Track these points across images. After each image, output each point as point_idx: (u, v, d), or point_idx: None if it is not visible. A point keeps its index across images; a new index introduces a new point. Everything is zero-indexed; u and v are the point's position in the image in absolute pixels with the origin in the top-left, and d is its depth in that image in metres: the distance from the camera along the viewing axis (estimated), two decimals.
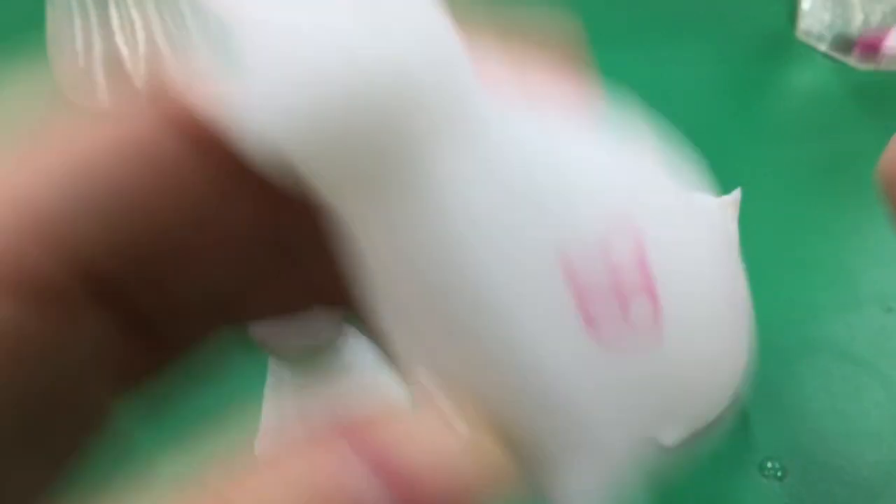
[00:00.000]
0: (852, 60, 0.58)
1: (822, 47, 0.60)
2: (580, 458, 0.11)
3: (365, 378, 0.29)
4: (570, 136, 0.11)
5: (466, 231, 0.10)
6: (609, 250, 0.10)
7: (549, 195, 0.10)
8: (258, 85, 0.09)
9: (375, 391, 0.29)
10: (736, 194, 0.28)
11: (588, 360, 0.10)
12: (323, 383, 0.27)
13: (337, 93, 0.09)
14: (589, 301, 0.10)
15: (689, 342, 0.11)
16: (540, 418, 0.11)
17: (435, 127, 0.09)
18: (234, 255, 0.11)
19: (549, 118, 0.11)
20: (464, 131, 0.10)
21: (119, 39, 0.33)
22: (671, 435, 0.12)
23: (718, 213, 0.12)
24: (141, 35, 0.34)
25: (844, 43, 0.58)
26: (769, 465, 0.31)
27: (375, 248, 0.10)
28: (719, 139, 0.51)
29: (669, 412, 0.12)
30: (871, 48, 0.55)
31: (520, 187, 0.10)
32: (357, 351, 0.29)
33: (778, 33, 0.63)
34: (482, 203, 0.10)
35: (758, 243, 0.41)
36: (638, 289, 0.10)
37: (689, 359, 0.11)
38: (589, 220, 0.10)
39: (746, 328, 0.12)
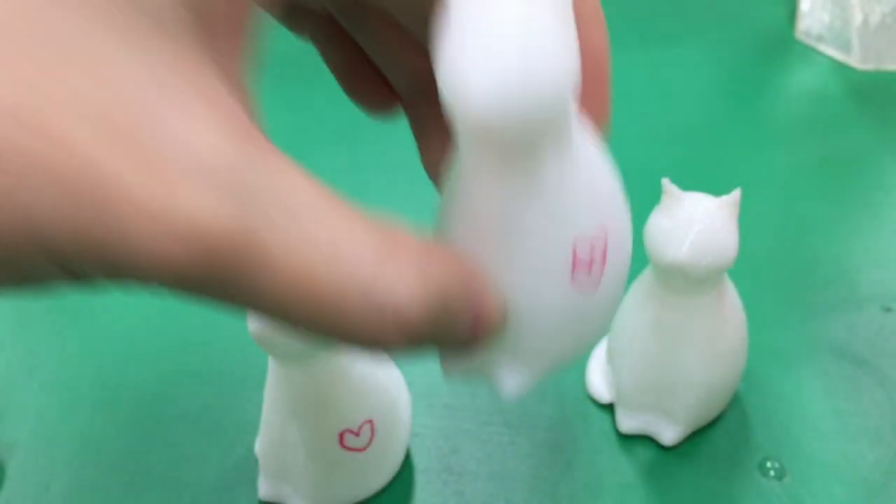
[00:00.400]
0: (852, 60, 0.58)
1: (822, 47, 0.60)
2: (530, 356, 0.19)
3: (364, 377, 0.29)
4: (593, 156, 0.17)
5: (541, 201, 0.16)
6: (594, 247, 0.17)
7: (582, 205, 0.17)
8: (484, 71, 0.13)
9: (374, 390, 0.29)
10: (736, 194, 0.28)
11: (563, 296, 0.17)
12: (321, 382, 0.27)
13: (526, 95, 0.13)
14: (577, 271, 0.17)
15: (608, 288, 0.18)
16: (525, 323, 0.18)
17: (554, 131, 0.15)
18: None
19: (586, 137, 0.17)
20: (563, 140, 0.15)
21: None
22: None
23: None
24: None
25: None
26: (768, 464, 0.31)
27: (489, 180, 0.15)
28: (719, 139, 0.51)
29: (591, 332, 0.19)
30: None
31: (569, 194, 0.16)
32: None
33: (777, 34, 0.63)
34: (556, 189, 0.16)
35: (757, 243, 0.41)
36: (600, 265, 0.17)
37: (607, 297, 0.19)
38: (590, 227, 0.17)
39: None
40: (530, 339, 0.18)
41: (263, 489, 0.30)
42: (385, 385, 0.29)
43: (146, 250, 0.10)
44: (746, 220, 0.29)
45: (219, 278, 0.11)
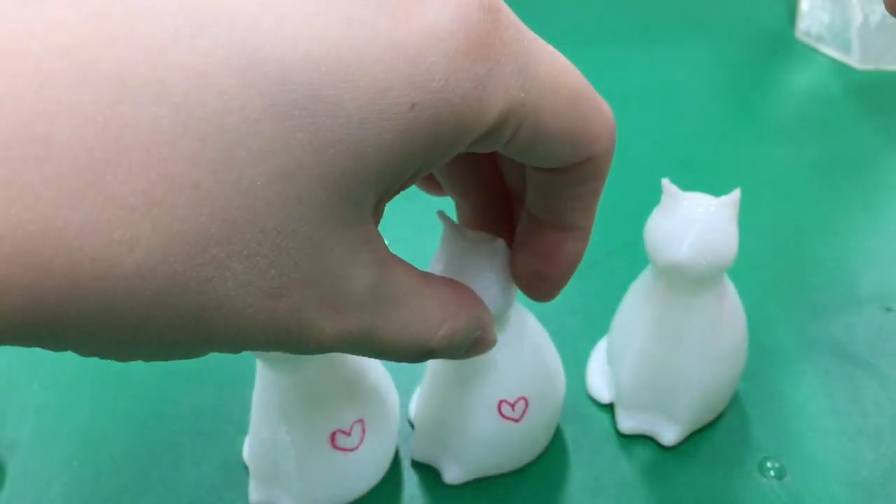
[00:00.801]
0: (852, 60, 0.58)
1: (822, 47, 0.60)
2: (468, 459, 0.30)
3: (353, 376, 0.29)
4: (533, 343, 0.30)
5: (478, 379, 0.29)
6: (515, 405, 0.29)
7: (511, 379, 0.29)
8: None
9: (364, 389, 0.29)
10: (735, 194, 0.28)
11: (496, 426, 0.29)
12: (310, 383, 0.27)
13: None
14: (502, 411, 0.29)
15: (532, 420, 0.29)
16: (466, 437, 0.30)
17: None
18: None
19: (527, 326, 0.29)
20: (507, 328, 0.28)
21: None
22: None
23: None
24: None
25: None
26: (768, 464, 0.31)
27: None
28: (719, 139, 0.51)
29: (516, 448, 0.31)
30: None
31: (512, 362, 0.29)
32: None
33: (777, 34, 0.63)
34: (504, 357, 0.28)
35: (757, 243, 0.41)
36: (523, 407, 0.29)
37: (529, 427, 0.30)
38: (513, 395, 0.29)
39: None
40: (467, 448, 0.30)
41: (254, 495, 0.30)
42: (374, 384, 0.29)
43: (317, 347, 0.17)
44: (746, 219, 0.29)
45: (349, 348, 0.18)
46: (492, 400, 0.29)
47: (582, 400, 0.34)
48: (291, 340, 0.16)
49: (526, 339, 0.29)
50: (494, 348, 0.27)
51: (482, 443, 0.30)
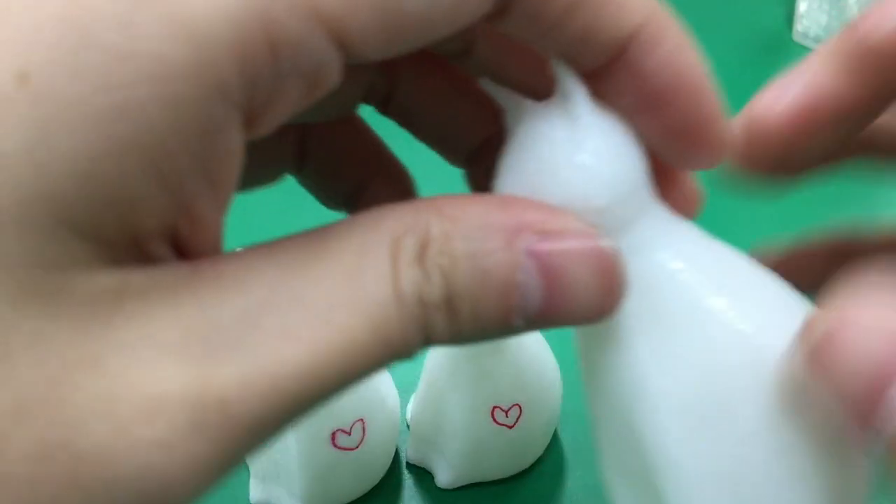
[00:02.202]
0: None
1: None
2: (460, 464, 0.30)
3: None
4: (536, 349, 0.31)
5: (468, 388, 0.30)
6: (509, 409, 0.29)
7: (505, 387, 0.29)
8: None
9: (364, 388, 0.29)
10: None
11: (489, 432, 0.29)
12: None
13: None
14: (495, 417, 0.29)
15: (526, 427, 0.29)
16: (457, 441, 0.30)
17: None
18: None
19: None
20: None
21: None
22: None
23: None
24: None
25: None
26: None
27: None
28: None
29: (512, 454, 0.31)
30: None
31: (506, 369, 0.29)
32: None
33: (775, 35, 0.63)
34: (498, 363, 0.29)
35: (755, 244, 0.41)
36: (517, 413, 0.29)
37: (523, 433, 0.30)
38: (507, 396, 0.29)
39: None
40: (460, 452, 0.30)
41: (255, 493, 0.30)
42: (374, 383, 0.29)
43: None
44: (744, 220, 0.29)
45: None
46: (485, 406, 0.29)
47: (582, 401, 0.34)
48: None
49: (522, 346, 0.29)
50: (489, 354, 0.27)
51: (474, 448, 0.30)
